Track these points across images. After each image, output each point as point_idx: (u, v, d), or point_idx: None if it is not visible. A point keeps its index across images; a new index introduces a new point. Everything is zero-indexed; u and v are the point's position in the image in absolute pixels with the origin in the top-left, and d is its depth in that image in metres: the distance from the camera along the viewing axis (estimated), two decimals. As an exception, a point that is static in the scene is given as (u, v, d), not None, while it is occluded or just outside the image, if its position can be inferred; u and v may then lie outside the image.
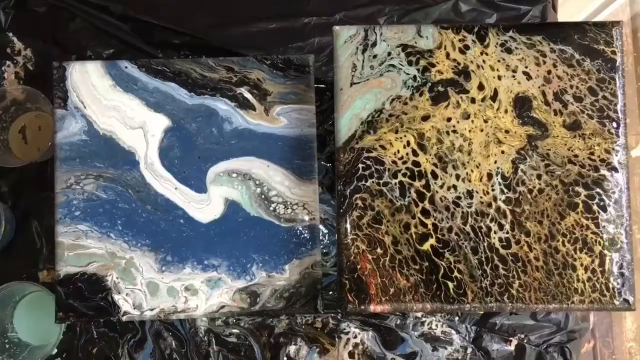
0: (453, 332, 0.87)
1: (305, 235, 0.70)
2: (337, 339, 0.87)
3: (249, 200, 0.70)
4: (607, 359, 1.19)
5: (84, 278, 0.69)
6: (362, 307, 0.61)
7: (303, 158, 0.71)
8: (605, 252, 0.62)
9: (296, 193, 0.71)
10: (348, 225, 0.63)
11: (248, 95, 0.71)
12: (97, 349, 0.85)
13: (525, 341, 0.88)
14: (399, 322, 0.87)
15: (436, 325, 0.87)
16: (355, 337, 0.88)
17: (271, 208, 0.70)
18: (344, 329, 0.87)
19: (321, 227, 0.82)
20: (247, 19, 0.90)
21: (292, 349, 0.87)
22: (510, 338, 0.88)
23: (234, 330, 0.87)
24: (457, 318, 0.87)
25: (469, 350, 0.88)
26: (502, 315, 0.87)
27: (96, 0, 0.89)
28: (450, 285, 0.62)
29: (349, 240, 0.62)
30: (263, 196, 0.70)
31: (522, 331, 0.88)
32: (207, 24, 0.90)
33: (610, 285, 0.62)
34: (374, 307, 0.62)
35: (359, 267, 0.62)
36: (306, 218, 0.70)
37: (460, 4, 0.89)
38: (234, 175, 0.70)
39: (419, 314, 0.86)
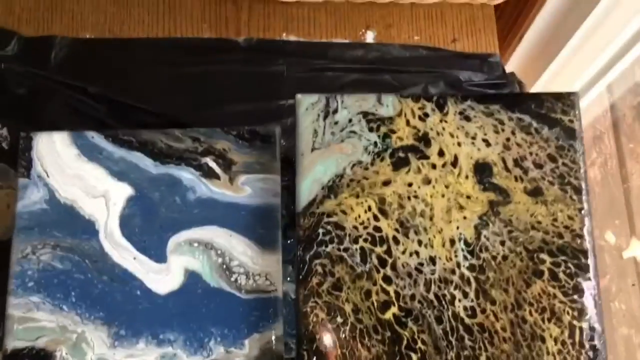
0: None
1: (267, 307, 0.68)
2: None
3: (209, 270, 0.69)
4: None
5: (32, 353, 0.66)
6: (320, 380, 0.58)
7: (267, 228, 0.70)
8: (575, 322, 0.60)
9: (259, 263, 0.69)
10: (307, 292, 0.61)
11: (213, 165, 0.72)
12: None
13: None
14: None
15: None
16: None
17: (232, 279, 0.69)
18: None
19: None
20: (221, 101, 0.93)
21: None
22: None
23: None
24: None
25: None
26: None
27: (75, 82, 0.92)
28: (414, 357, 0.59)
29: (307, 309, 0.60)
30: (224, 266, 0.69)
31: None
32: (182, 106, 0.92)
33: (582, 358, 0.59)
34: (333, 381, 0.59)
35: (317, 337, 0.60)
36: (269, 289, 0.69)
37: (429, 88, 0.93)
38: (196, 244, 0.69)
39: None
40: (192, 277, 0.69)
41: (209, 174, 0.72)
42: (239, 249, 0.70)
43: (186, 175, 0.72)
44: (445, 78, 0.94)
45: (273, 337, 0.68)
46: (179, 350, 0.67)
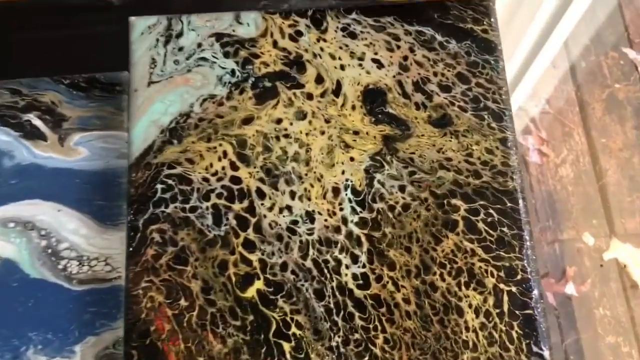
0: None
1: (108, 301, 0.52)
2: None
3: (29, 257, 0.52)
4: None
5: None
6: (155, 388, 0.42)
7: (108, 198, 0.55)
8: (502, 286, 0.44)
9: (96, 244, 0.53)
10: (139, 269, 0.45)
11: (38, 123, 0.56)
12: None
13: None
14: None
15: None
16: None
17: (60, 266, 0.52)
18: None
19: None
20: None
21: None
22: None
23: None
24: None
25: None
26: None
27: None
28: (287, 346, 0.43)
29: (139, 291, 0.44)
30: (50, 251, 0.53)
31: None
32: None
33: (514, 334, 0.44)
34: (173, 388, 0.42)
35: (153, 328, 0.43)
36: (109, 277, 0.52)
37: None
38: (11, 225, 0.53)
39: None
40: (5, 267, 0.53)
41: (32, 134, 0.56)
42: (70, 226, 0.54)
43: (2, 137, 0.56)
44: None
45: (114, 341, 0.51)
46: (-17, 364, 0.50)
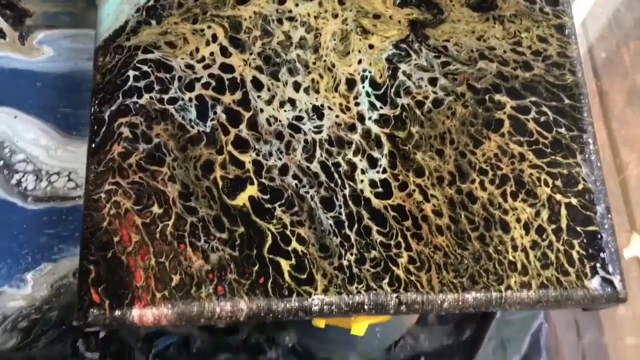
0: None
1: (68, 221, 0.43)
2: None
3: (-24, 169, 0.44)
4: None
5: None
6: (116, 312, 0.33)
7: (75, 105, 0.47)
8: (558, 197, 0.36)
9: (58, 157, 0.46)
10: (103, 169, 0.36)
11: (-4, 18, 0.48)
12: None
13: None
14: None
15: None
16: None
17: (13, 181, 0.44)
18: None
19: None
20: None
21: None
22: None
23: None
24: None
25: None
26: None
27: None
28: (285, 264, 0.35)
29: (102, 195, 0.36)
30: (1, 163, 0.44)
31: None
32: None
33: (574, 255, 0.35)
34: (140, 313, 0.34)
35: (116, 239, 0.35)
36: (72, 195, 0.44)
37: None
38: (-42, 132, 0.45)
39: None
40: (-53, 181, 0.44)
41: (-12, 29, 0.48)
42: (27, 136, 0.46)
43: (-48, 32, 0.48)
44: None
45: (74, 270, 0.43)
46: None
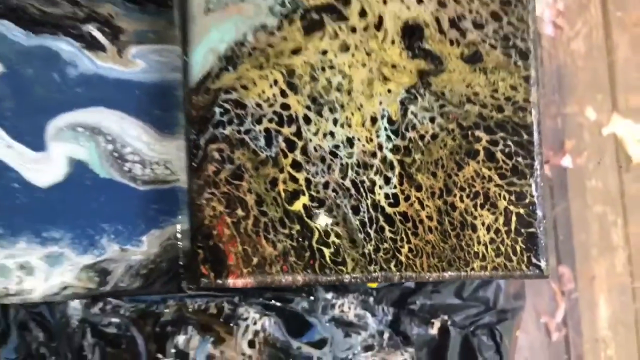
0: (368, 315, 0.78)
1: (168, 199, 0.60)
2: (234, 327, 0.77)
3: (98, 159, 0.60)
4: (580, 348, 1.13)
5: None
6: (219, 281, 0.52)
7: (165, 108, 0.61)
8: (511, 208, 0.53)
9: (156, 150, 0.61)
10: (202, 182, 0.53)
11: (97, 34, 0.61)
12: (-53, 345, 0.74)
13: (449, 323, 0.79)
14: (306, 304, 0.78)
15: (348, 308, 0.78)
16: (255, 323, 0.78)
17: (125, 168, 0.60)
18: (242, 314, 0.77)
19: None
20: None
21: (181, 339, 0.77)
22: (433, 320, 0.79)
23: (113, 319, 0.76)
24: (372, 299, 0.78)
25: (386, 335, 0.79)
26: (423, 293, 0.78)
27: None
28: (327, 252, 0.52)
29: (203, 201, 0.52)
30: (116, 154, 0.60)
31: (446, 311, 0.79)
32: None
33: (518, 248, 0.53)
34: (233, 281, 0.52)
35: (215, 233, 0.52)
36: (169, 179, 0.60)
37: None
38: (80, 129, 0.60)
39: (328, 296, 0.76)
40: (78, 168, 0.61)
41: (92, 45, 0.62)
42: (133, 133, 0.61)
43: (65, 47, 0.61)
44: None
45: (177, 232, 0.60)
46: (66, 249, 0.59)
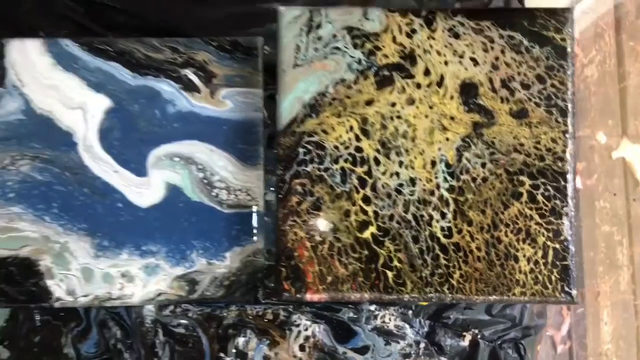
0: (406, 326, 0.87)
1: (248, 222, 0.69)
2: (287, 332, 0.86)
3: (190, 185, 0.69)
4: None
5: (16, 262, 0.67)
6: (298, 295, 0.61)
7: (248, 143, 0.70)
8: (549, 243, 0.61)
9: (240, 179, 0.70)
10: (286, 211, 0.62)
11: (193, 77, 0.70)
12: (39, 338, 0.84)
13: (479, 336, 0.87)
14: (351, 314, 0.86)
15: (389, 319, 0.87)
16: (307, 329, 0.87)
17: (213, 193, 0.69)
18: (295, 321, 0.86)
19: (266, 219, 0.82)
20: (203, 3, 0.89)
21: (241, 341, 0.86)
22: (464, 333, 0.87)
23: (182, 321, 0.85)
24: (410, 312, 0.86)
25: (422, 345, 0.87)
26: (457, 309, 0.86)
27: (48, -21, 0.88)
28: (390, 274, 0.61)
29: (287, 227, 0.61)
30: (205, 181, 0.69)
31: (477, 326, 0.87)
32: (162, 7, 0.88)
33: (553, 278, 0.61)
34: (310, 296, 0.61)
35: (296, 254, 0.61)
36: (250, 204, 0.69)
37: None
38: (176, 159, 0.69)
39: (372, 307, 0.85)
40: (173, 191, 0.70)
41: (189, 86, 0.71)
42: (220, 163, 0.70)
43: (166, 87, 0.71)
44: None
45: (254, 251, 0.69)
46: (161, 261, 0.68)
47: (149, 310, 0.85)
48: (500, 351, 0.87)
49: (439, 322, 0.87)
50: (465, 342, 0.88)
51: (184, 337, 0.86)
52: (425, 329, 0.87)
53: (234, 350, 0.86)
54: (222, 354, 0.85)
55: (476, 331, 0.87)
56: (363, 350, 0.87)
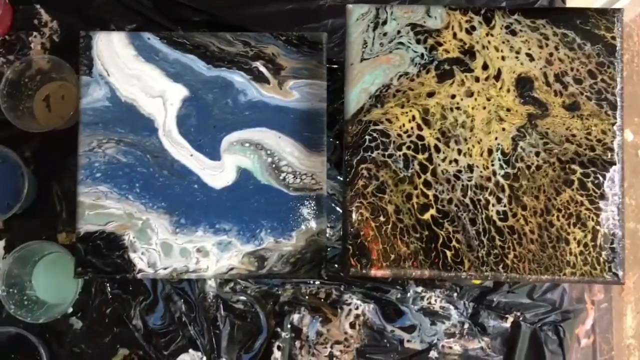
0: (451, 307, 0.91)
1: (313, 204, 0.74)
2: (339, 310, 0.91)
3: (260, 169, 0.74)
4: (606, 354, 1.21)
5: (103, 236, 0.73)
6: (363, 271, 0.65)
7: (313, 131, 0.75)
8: (598, 228, 0.65)
9: (305, 164, 0.74)
10: (353, 194, 0.66)
11: (263, 69, 0.75)
12: (110, 310, 0.89)
13: (521, 319, 0.91)
14: (399, 295, 0.91)
15: (435, 301, 0.91)
16: (357, 308, 0.91)
17: (281, 177, 0.74)
18: (346, 300, 0.91)
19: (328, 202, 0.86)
20: (264, 0, 0.93)
21: (295, 317, 0.91)
22: (507, 315, 0.91)
23: (241, 297, 0.90)
24: (455, 294, 0.90)
25: (466, 325, 0.91)
26: (500, 292, 0.90)
27: (120, -24, 0.93)
28: (449, 253, 0.65)
29: (353, 208, 0.66)
30: (274, 165, 0.74)
31: (519, 309, 0.91)
32: (226, 3, 0.93)
33: (601, 259, 0.65)
34: (375, 272, 0.65)
35: (362, 233, 0.65)
36: (314, 188, 0.74)
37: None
38: (247, 144, 0.74)
39: (418, 289, 0.89)
40: (244, 174, 0.74)
41: (259, 77, 0.75)
42: (287, 149, 0.75)
43: (238, 78, 0.75)
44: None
45: (318, 231, 0.74)
46: (233, 238, 0.73)
47: (211, 286, 0.90)
48: (540, 333, 0.91)
49: (483, 304, 0.91)
50: (508, 324, 0.92)
51: (243, 313, 0.91)
52: (470, 311, 0.91)
53: (289, 326, 0.91)
54: (278, 329, 0.90)
55: (518, 314, 0.91)
56: (410, 329, 0.91)
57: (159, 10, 0.93)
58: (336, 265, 0.87)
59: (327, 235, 0.78)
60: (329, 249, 0.85)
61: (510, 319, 0.91)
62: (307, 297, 0.91)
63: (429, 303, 0.91)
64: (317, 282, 0.90)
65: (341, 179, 0.77)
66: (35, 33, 0.92)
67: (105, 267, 0.73)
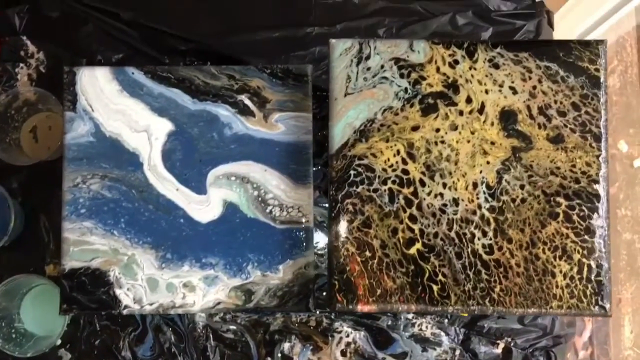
0: (442, 334, 0.90)
1: (300, 237, 0.73)
2: (330, 338, 0.90)
3: (246, 202, 0.73)
4: None
5: (88, 272, 0.72)
6: (350, 306, 0.64)
7: (299, 163, 0.74)
8: (584, 260, 0.65)
9: (292, 196, 0.74)
10: (339, 229, 0.66)
11: (248, 102, 0.75)
12: (99, 341, 0.88)
13: (512, 344, 0.91)
14: (390, 322, 0.90)
15: (426, 327, 0.90)
16: (348, 336, 0.91)
17: (267, 210, 0.74)
18: (337, 328, 0.90)
19: (318, 231, 0.86)
20: (251, 27, 0.93)
21: (286, 346, 0.90)
22: (498, 341, 0.91)
23: (231, 327, 0.90)
24: (446, 320, 0.90)
25: (457, 352, 0.91)
26: (490, 318, 0.89)
27: (107, 7, 0.93)
28: (435, 288, 0.65)
29: (339, 243, 0.65)
30: (260, 199, 0.73)
31: (509, 335, 0.90)
32: (213, 32, 0.93)
33: (588, 292, 0.65)
34: (361, 307, 0.65)
35: (348, 268, 0.65)
36: (301, 220, 0.73)
37: (457, 17, 0.92)
38: (233, 178, 0.74)
39: (409, 316, 0.89)
40: (230, 208, 0.74)
41: (244, 111, 0.75)
42: (273, 182, 0.74)
43: (223, 112, 0.75)
44: (474, 7, 0.93)
45: (305, 264, 0.73)
46: (220, 272, 0.73)
47: (200, 316, 0.90)
48: (532, 358, 0.90)
49: (474, 330, 0.90)
50: (499, 350, 0.91)
51: (233, 342, 0.90)
52: (461, 337, 0.91)
53: (279, 355, 0.90)
54: (269, 358, 0.90)
55: (509, 339, 0.90)
56: (401, 356, 0.90)
57: (145, 40, 0.93)
58: (324, 294, 0.86)
59: (317, 263, 0.77)
60: (319, 278, 0.84)
61: (502, 344, 0.91)
62: (297, 325, 0.90)
63: (420, 329, 0.91)
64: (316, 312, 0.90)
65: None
66: (21, 64, 0.91)
67: (90, 303, 0.72)
